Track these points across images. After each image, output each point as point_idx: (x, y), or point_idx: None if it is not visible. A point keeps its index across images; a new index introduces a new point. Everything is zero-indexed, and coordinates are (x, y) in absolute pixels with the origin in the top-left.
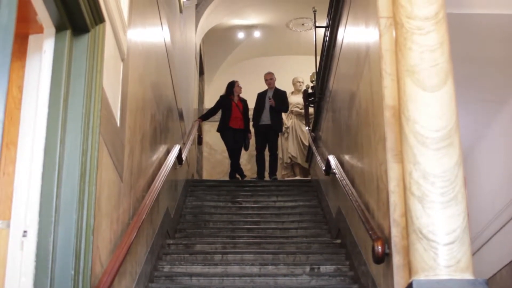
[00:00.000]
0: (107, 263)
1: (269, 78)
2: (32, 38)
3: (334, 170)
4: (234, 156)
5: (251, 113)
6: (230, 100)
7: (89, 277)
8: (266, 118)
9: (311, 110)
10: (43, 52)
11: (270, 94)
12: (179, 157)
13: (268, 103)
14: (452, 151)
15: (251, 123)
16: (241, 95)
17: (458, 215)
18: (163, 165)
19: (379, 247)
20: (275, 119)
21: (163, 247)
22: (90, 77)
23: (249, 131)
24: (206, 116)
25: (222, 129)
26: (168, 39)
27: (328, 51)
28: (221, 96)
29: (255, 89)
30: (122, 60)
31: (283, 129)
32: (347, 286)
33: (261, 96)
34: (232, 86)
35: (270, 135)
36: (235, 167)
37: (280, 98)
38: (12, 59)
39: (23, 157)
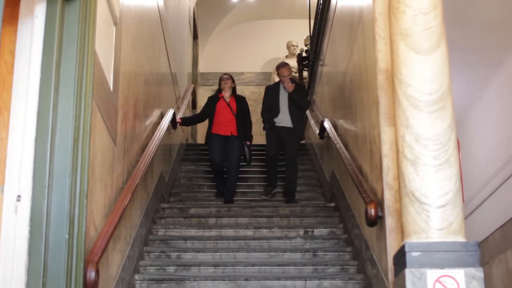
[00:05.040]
0: (102, 227)
1: (287, 73)
2: (23, 3)
3: (328, 134)
4: (222, 176)
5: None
6: (218, 99)
7: (83, 241)
8: (285, 119)
9: (305, 73)
10: (35, 17)
11: (285, 90)
12: (173, 122)
13: (284, 94)
14: (444, 114)
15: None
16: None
17: (451, 178)
18: (157, 129)
19: (372, 210)
20: (297, 120)
21: (157, 211)
22: (83, 41)
23: (249, 139)
24: (187, 121)
25: (208, 139)
26: (161, 3)
27: (322, 15)
28: (209, 98)
29: (249, 55)
30: (115, 24)
31: None
32: (340, 249)
33: (272, 91)
34: (219, 82)
35: (289, 141)
36: (222, 185)
37: (299, 91)
38: (4, 24)
39: (16, 122)
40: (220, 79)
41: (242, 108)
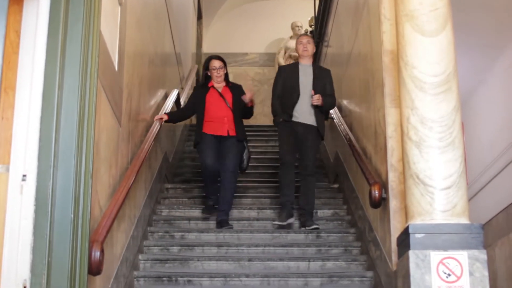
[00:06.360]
0: (106, 207)
1: (306, 41)
2: None
3: (332, 115)
4: (216, 183)
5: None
6: (207, 90)
7: (88, 220)
8: (305, 114)
9: None
10: None
11: (307, 71)
12: (177, 102)
13: (307, 79)
14: (450, 96)
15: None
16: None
17: (455, 160)
18: (162, 109)
19: (376, 192)
20: (320, 115)
21: (161, 192)
22: (88, 21)
23: (246, 140)
24: (173, 116)
25: (198, 140)
26: None
27: None
28: (195, 88)
29: (253, 35)
30: (120, 4)
31: None
32: (344, 230)
33: (289, 73)
34: (206, 67)
35: (309, 143)
36: (215, 195)
37: (325, 83)
38: (9, 3)
39: (21, 102)
40: (208, 66)
41: (239, 100)
